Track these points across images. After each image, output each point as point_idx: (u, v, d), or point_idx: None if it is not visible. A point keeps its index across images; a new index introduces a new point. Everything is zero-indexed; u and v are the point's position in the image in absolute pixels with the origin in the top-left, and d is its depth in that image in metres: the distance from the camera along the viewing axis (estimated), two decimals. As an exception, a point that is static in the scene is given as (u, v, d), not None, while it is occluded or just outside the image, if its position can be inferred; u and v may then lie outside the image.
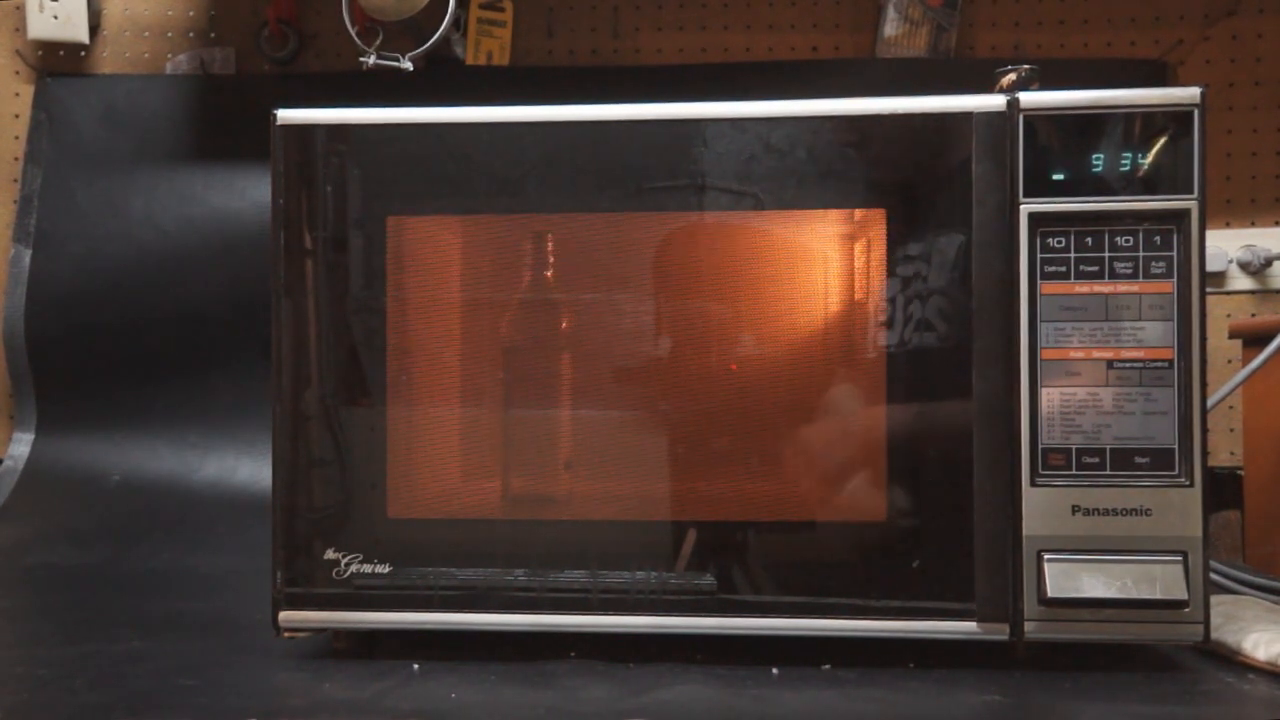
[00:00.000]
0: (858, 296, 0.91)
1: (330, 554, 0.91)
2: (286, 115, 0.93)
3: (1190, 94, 0.87)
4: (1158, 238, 0.87)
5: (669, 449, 0.92)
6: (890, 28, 1.53)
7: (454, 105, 0.94)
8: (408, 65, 1.46)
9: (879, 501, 0.88)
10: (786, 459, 0.91)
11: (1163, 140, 0.87)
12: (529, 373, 0.93)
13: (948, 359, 0.88)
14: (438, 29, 1.45)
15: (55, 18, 1.58)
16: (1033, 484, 0.86)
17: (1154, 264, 0.87)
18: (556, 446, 0.92)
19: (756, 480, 0.91)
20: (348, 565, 0.91)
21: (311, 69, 1.62)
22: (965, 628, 0.87)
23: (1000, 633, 0.87)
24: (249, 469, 1.47)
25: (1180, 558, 0.85)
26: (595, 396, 0.92)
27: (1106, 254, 0.87)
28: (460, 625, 0.91)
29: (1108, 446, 0.87)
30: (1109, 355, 0.87)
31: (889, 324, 0.89)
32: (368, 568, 0.91)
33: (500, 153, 0.92)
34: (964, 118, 0.88)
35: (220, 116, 1.59)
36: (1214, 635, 0.91)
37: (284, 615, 0.92)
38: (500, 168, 0.93)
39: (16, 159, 1.61)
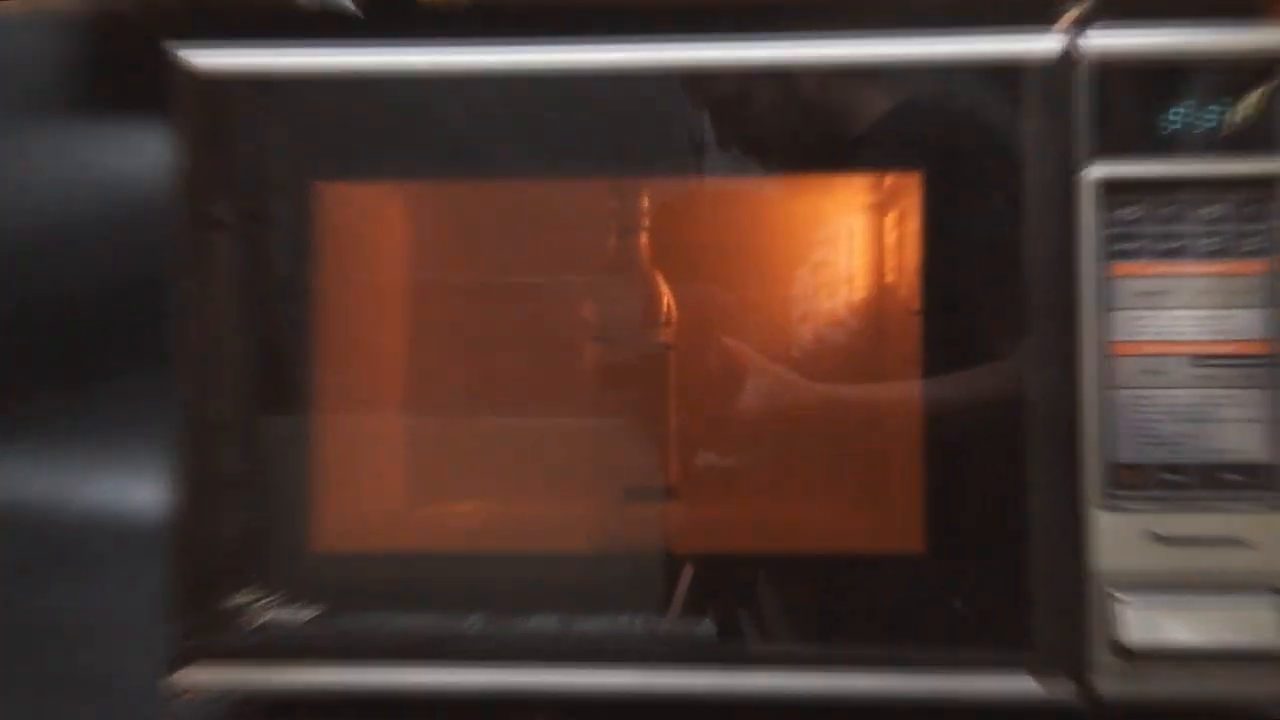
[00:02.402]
0: (888, 280, 0.83)
1: (241, 596, 0.80)
2: (195, 58, 0.84)
3: (1292, 34, 0.78)
4: (1251, 208, 0.79)
5: (661, 465, 0.82)
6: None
7: (401, 48, 0.84)
8: (349, 3, 1.38)
9: (915, 528, 0.79)
10: (803, 477, 0.82)
11: (1260, 90, 0.79)
12: (491, 372, 0.85)
13: (997, 355, 0.80)
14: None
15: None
16: (1102, 507, 0.78)
17: (1246, 239, 0.79)
18: (525, 462, 0.83)
19: (767, 503, 0.83)
20: (263, 610, 0.80)
21: (229, 4, 1.57)
22: (1021, 685, 0.78)
23: (1063, 690, 0.78)
24: (144, 492, 1.32)
25: (1285, 597, 0.77)
26: (573, 401, 0.82)
27: (1189, 227, 0.79)
28: (403, 684, 0.80)
29: (1193, 461, 0.78)
30: (1192, 350, 0.79)
31: (925, 313, 0.79)
32: (288, 613, 0.80)
33: (458, 107, 0.82)
34: (1015, 62, 0.80)
35: (113, 59, 1.43)
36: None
37: (182, 673, 0.81)
38: (458, 124, 0.81)
39: None
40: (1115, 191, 0.79)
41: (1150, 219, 0.79)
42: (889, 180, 0.82)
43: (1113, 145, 0.80)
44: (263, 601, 0.80)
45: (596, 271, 0.83)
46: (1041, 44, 0.80)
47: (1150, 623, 0.77)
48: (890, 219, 0.82)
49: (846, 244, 0.83)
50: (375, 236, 0.83)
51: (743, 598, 0.80)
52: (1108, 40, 0.80)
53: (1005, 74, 0.80)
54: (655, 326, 0.82)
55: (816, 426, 0.82)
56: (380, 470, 0.83)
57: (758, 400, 0.82)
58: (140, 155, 1.33)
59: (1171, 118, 0.80)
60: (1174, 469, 0.78)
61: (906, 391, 0.80)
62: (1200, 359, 0.79)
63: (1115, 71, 0.80)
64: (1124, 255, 0.79)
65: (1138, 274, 0.79)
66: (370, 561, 0.81)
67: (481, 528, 0.82)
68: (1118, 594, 0.78)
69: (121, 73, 1.38)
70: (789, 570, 0.80)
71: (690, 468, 0.82)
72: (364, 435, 0.83)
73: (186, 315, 0.81)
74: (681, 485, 0.82)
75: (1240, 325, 0.79)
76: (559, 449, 0.82)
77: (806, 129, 0.81)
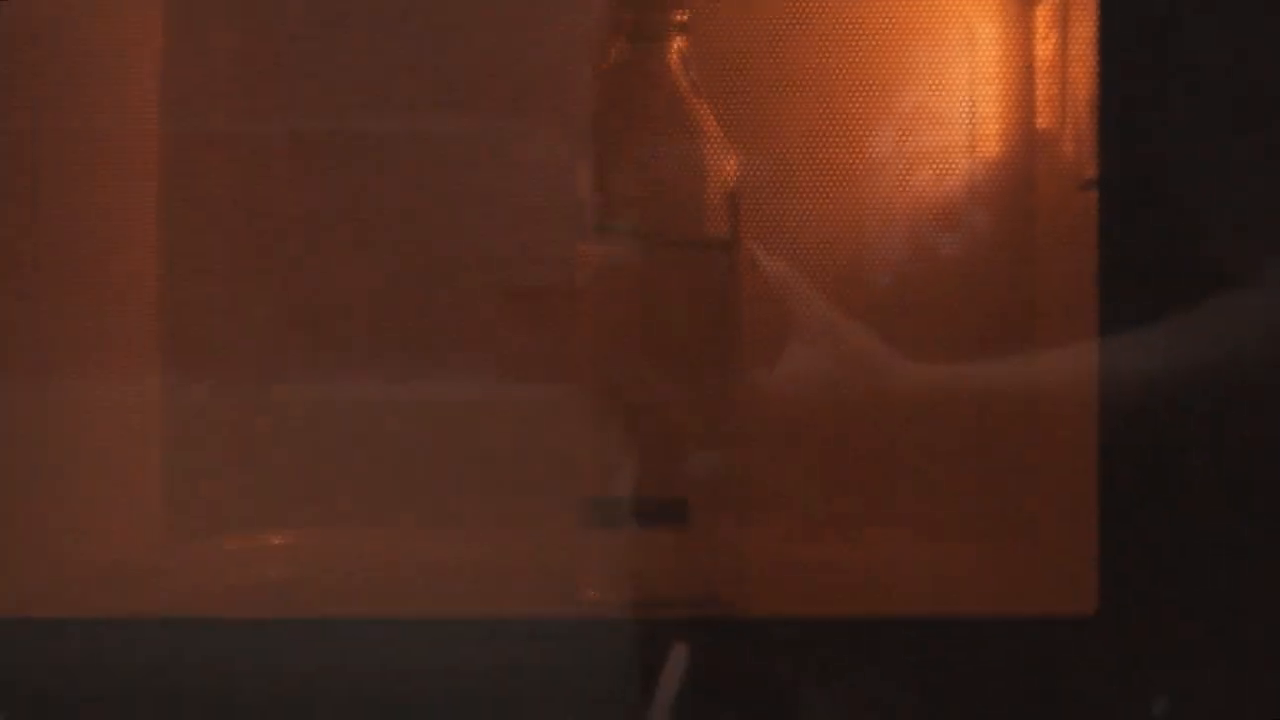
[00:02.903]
0: (1041, 126, 0.50)
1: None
2: None
3: None
4: None
5: (632, 467, 0.52)
6: None
7: None
8: None
9: (1085, 580, 0.48)
10: (886, 490, 0.53)
11: None
12: (338, 302, 0.53)
13: (1242, 283, 0.49)
14: None
15: None
16: None
17: None
18: (371, 463, 0.51)
19: (838, 540, 0.51)
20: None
21: None
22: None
23: None
24: None
25: None
26: (461, 354, 0.52)
27: None
28: None
29: None
30: None
31: (1105, 189, 0.49)
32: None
33: None
34: None
35: None
36: None
37: None
38: None
39: None
40: None
41: None
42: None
43: None
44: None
45: (496, 116, 0.49)
46: None
47: None
48: (1041, 17, 0.48)
49: (964, 68, 0.49)
50: (96, 49, 0.49)
51: (783, 687, 0.48)
52: None
53: None
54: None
55: (912, 406, 0.48)
56: (118, 477, 0.50)
57: (817, 385, 0.48)
58: None
59: None
60: None
61: (1070, 354, 0.46)
62: None
63: None
64: None
65: None
66: (70, 632, 0.47)
67: (311, 576, 0.49)
68: None
69: None
70: (865, 646, 0.47)
71: (718, 476, 0.49)
72: (86, 415, 0.49)
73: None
74: (701, 502, 0.49)
75: None
76: (471, 434, 0.49)
77: None
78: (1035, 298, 0.49)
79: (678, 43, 0.48)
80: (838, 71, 0.50)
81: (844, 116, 0.51)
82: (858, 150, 0.51)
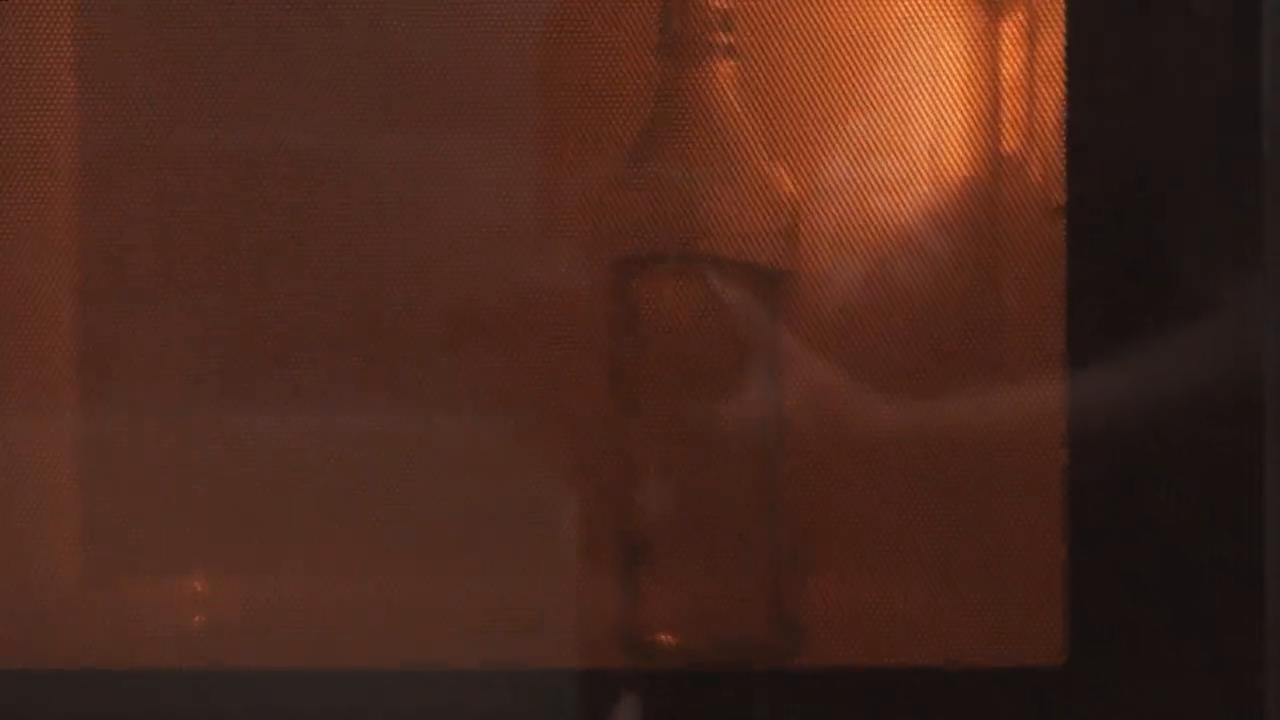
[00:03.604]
0: (1006, 149, 0.48)
1: None
2: None
3: None
4: None
5: (595, 509, 0.50)
6: None
7: None
8: None
9: (1052, 626, 0.45)
10: (866, 544, 0.51)
11: None
12: (278, 318, 0.50)
13: (1211, 305, 0.44)
14: None
15: None
16: None
17: None
18: (334, 503, 0.48)
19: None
20: None
21: None
22: None
23: None
24: None
25: None
26: (419, 381, 0.49)
27: None
28: None
29: None
30: None
31: (1073, 211, 0.43)
32: None
33: None
34: None
35: None
36: None
37: None
38: None
39: None
40: None
41: None
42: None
43: None
44: None
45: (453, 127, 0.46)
46: None
47: None
48: (1009, 29, 0.46)
49: (926, 80, 0.47)
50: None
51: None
52: None
53: None
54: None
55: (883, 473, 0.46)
56: (32, 513, 0.47)
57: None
58: None
59: None
60: None
61: (1037, 387, 0.44)
62: None
63: None
64: None
65: None
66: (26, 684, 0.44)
67: (255, 622, 0.46)
68: None
69: None
70: (826, 697, 0.45)
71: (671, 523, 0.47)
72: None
73: None
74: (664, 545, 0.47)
75: None
76: (390, 473, 0.46)
77: None
78: (999, 321, 0.47)
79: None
80: (813, 75, 0.48)
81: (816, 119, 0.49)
82: (813, 165, 0.49)
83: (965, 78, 0.48)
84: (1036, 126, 0.46)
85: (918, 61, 0.48)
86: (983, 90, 0.48)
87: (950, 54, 0.47)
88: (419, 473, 0.48)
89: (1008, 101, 0.47)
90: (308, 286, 0.47)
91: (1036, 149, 0.45)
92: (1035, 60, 0.46)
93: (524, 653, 0.46)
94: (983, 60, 0.48)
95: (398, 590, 0.48)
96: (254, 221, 0.47)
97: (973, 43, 0.48)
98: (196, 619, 0.46)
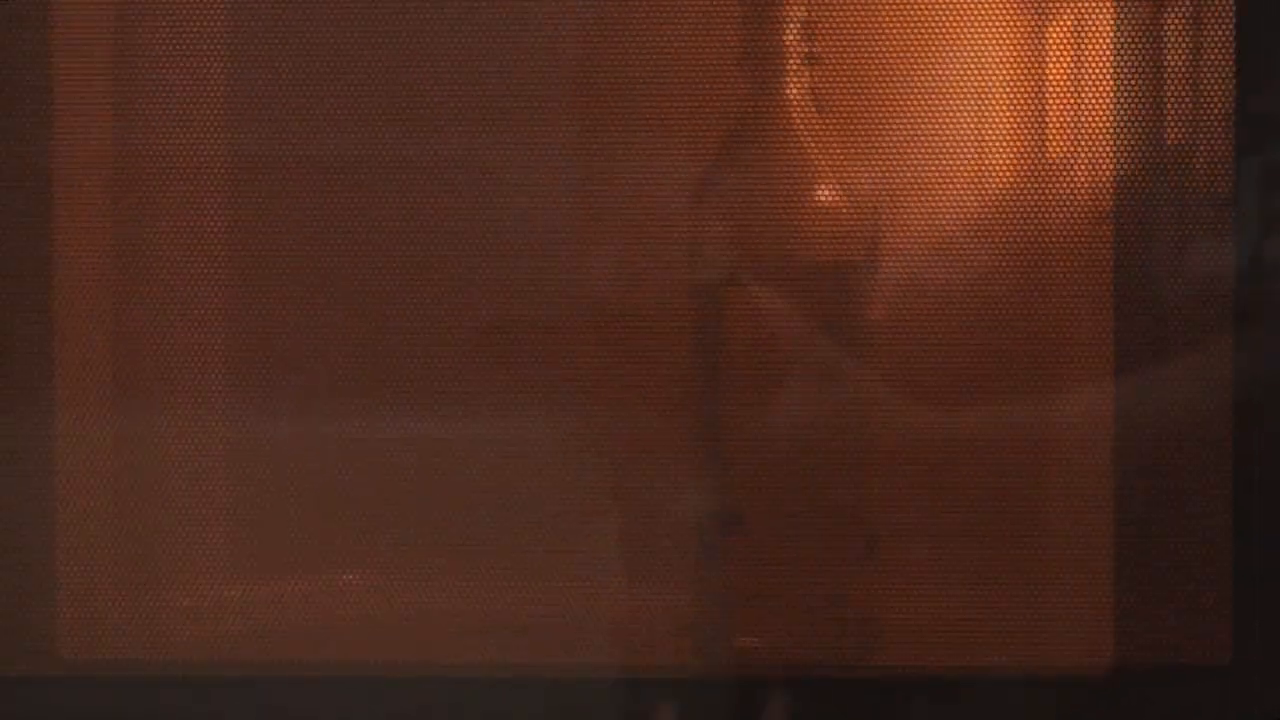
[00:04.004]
0: (1166, 138, 0.45)
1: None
2: None
3: None
4: None
5: (716, 509, 0.50)
6: None
7: None
8: None
9: (1218, 624, 0.45)
10: (979, 537, 0.48)
11: None
12: (387, 338, 0.50)
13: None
14: None
15: None
16: None
17: None
18: (447, 510, 0.47)
19: (923, 583, 0.49)
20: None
21: None
22: None
23: None
24: None
25: None
26: (534, 390, 0.47)
27: None
28: None
29: None
30: None
31: (1240, 201, 0.43)
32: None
33: None
34: None
35: None
36: None
37: None
38: None
39: None
40: None
41: None
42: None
43: None
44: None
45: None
46: None
47: None
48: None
49: (1067, 63, 0.45)
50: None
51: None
52: None
53: None
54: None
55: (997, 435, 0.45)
56: (180, 515, 0.48)
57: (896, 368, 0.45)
58: None
59: None
60: None
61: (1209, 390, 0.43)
62: None
63: None
64: None
65: None
66: (163, 686, 0.46)
67: (385, 621, 0.47)
68: None
69: None
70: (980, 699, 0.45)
71: (778, 517, 0.47)
72: (150, 452, 0.48)
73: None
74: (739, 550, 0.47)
75: None
76: (508, 482, 0.46)
77: None
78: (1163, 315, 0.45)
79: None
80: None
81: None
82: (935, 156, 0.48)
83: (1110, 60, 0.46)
84: (1200, 105, 0.43)
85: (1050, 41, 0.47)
86: (1133, 68, 0.46)
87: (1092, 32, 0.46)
88: (526, 476, 0.48)
89: (1171, 77, 0.45)
90: (440, 289, 0.47)
91: (1200, 134, 0.43)
92: (1200, 35, 0.43)
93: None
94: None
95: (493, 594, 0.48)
96: (398, 227, 0.47)
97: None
98: (348, 614, 0.47)
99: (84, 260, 0.47)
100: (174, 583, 0.48)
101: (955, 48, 0.46)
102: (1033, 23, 0.46)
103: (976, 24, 0.45)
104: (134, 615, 0.48)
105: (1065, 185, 0.46)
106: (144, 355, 0.48)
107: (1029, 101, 0.47)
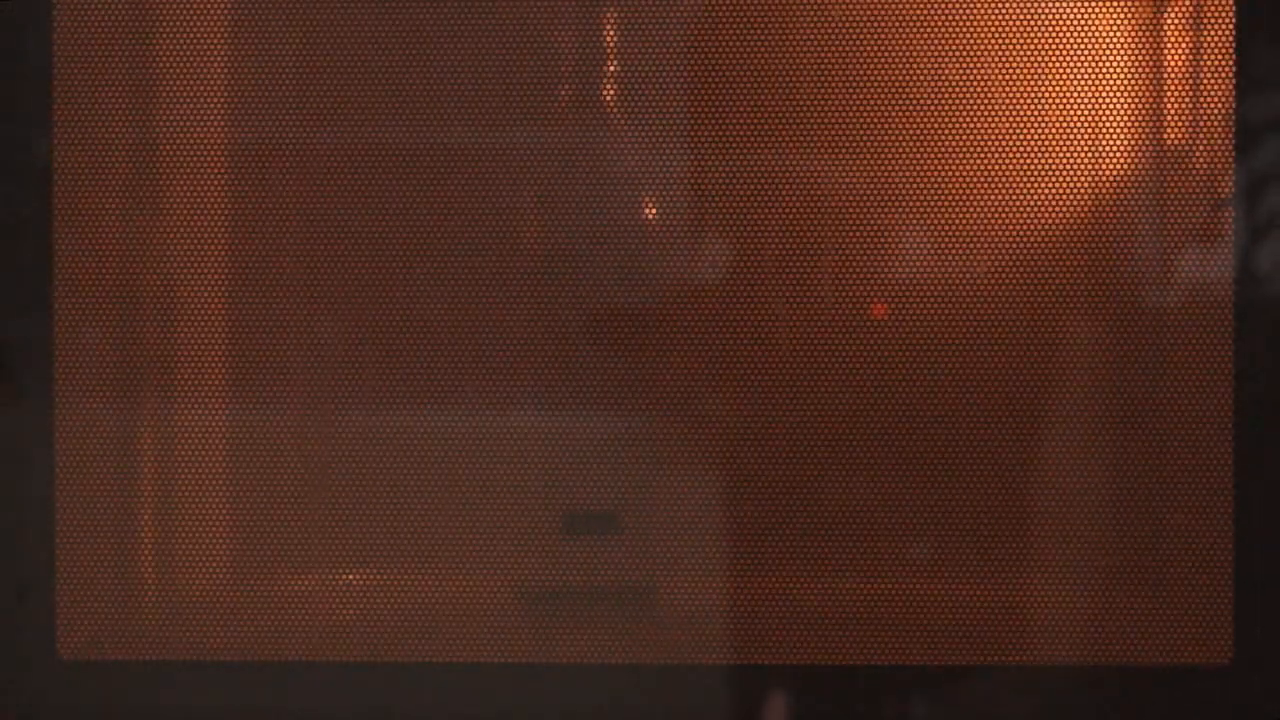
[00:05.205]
0: (1170, 140, 0.46)
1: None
2: None
3: None
4: None
5: (737, 506, 0.50)
6: None
7: None
8: None
9: (1219, 625, 0.45)
10: (1006, 532, 0.49)
11: None
12: (404, 334, 0.50)
13: None
14: None
15: None
16: None
17: None
18: (471, 501, 0.47)
19: (946, 576, 0.49)
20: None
21: None
22: None
23: None
24: None
25: None
26: (564, 386, 0.47)
27: None
28: None
29: None
30: None
31: (1251, 214, 0.43)
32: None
33: None
34: None
35: None
36: None
37: None
38: None
39: None
40: None
41: None
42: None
43: None
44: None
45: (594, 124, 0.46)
46: None
47: None
48: (1173, 19, 0.45)
49: (1087, 73, 0.46)
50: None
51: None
52: None
53: None
54: (706, 242, 0.47)
55: (1029, 443, 0.46)
56: (183, 512, 0.48)
57: (923, 381, 0.46)
58: None
59: None
60: None
61: (1209, 385, 0.43)
62: None
63: None
64: None
65: None
66: (166, 674, 0.46)
67: (390, 617, 0.47)
68: None
69: None
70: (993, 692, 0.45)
71: (797, 512, 0.47)
72: (154, 448, 0.48)
73: None
74: (781, 541, 0.47)
75: None
76: (535, 477, 0.46)
77: None
78: (1158, 321, 0.46)
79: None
80: (950, 81, 0.47)
81: (958, 125, 0.48)
82: (968, 156, 0.48)
83: (1123, 70, 0.47)
84: (1203, 120, 0.44)
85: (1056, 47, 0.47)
86: (1145, 80, 0.47)
87: (1108, 40, 0.46)
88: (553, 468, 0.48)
89: (1169, 96, 0.46)
90: (461, 284, 0.47)
91: (1200, 134, 0.44)
92: (1201, 49, 0.44)
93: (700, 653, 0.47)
94: (1141, 49, 0.47)
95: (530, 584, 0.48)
96: (406, 218, 0.47)
97: (1131, 34, 0.46)
98: (354, 611, 0.47)
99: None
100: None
101: (955, 47, 0.46)
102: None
103: (978, 25, 0.46)
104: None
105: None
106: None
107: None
